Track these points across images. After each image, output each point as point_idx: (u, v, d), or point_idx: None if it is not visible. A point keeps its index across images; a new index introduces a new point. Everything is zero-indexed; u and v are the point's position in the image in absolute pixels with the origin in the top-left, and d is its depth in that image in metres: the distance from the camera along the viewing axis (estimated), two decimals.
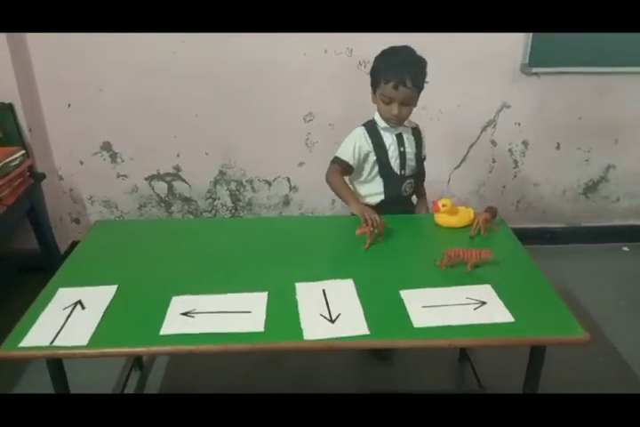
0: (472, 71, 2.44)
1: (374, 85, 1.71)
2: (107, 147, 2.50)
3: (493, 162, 2.66)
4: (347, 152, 1.74)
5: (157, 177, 2.58)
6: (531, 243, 1.68)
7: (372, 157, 1.74)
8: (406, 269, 1.47)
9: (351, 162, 1.74)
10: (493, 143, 2.61)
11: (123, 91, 2.40)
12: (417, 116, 2.50)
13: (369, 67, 2.43)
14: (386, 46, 2.36)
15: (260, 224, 1.90)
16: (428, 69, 2.25)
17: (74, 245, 2.55)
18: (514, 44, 2.38)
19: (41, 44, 2.29)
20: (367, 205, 1.73)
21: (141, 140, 2.49)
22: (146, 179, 2.58)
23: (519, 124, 2.56)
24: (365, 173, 1.78)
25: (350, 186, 1.81)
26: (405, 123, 1.76)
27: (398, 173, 1.77)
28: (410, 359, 1.98)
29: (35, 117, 2.38)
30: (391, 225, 1.65)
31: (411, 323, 1.24)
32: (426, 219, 1.74)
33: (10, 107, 2.26)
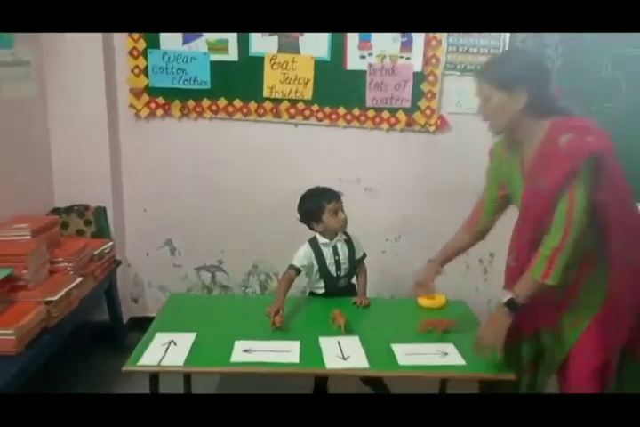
0: (449, 198, 3.18)
1: (318, 215, 2.32)
2: (168, 243, 3.24)
3: (467, 268, 3.36)
4: (297, 261, 2.39)
5: (204, 268, 3.29)
6: None
7: (315, 265, 2.42)
8: (396, 331, 2.12)
9: (301, 267, 2.38)
10: (467, 254, 3.32)
11: (186, 204, 3.17)
12: (407, 230, 3.26)
13: (373, 192, 3.23)
14: (387, 177, 3.20)
15: (294, 301, 2.51)
16: (415, 194, 3.00)
17: (131, 320, 3.20)
18: None
19: (130, 169, 3.14)
20: (313, 293, 2.45)
21: (195, 239, 3.23)
22: (195, 269, 3.28)
23: (484, 240, 3.29)
24: (312, 274, 2.45)
25: (307, 279, 2.48)
26: (338, 236, 2.42)
27: (334, 274, 2.44)
28: None
29: (119, 218, 3.15)
30: (391, 306, 2.40)
31: (397, 362, 1.88)
32: (411, 302, 2.41)
33: (104, 210, 3.03)
